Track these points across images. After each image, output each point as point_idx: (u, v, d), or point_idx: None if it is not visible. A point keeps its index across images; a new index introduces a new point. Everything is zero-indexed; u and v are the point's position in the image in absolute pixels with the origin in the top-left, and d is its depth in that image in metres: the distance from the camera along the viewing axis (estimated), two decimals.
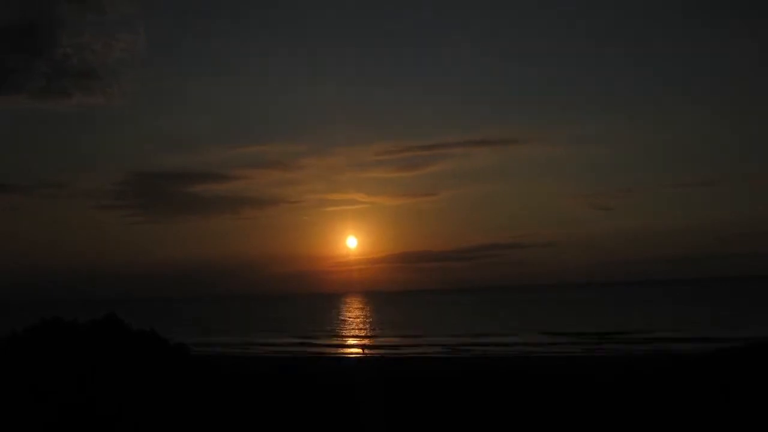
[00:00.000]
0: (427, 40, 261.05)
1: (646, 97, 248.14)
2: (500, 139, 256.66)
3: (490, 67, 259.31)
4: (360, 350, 40.06)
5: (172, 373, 12.91)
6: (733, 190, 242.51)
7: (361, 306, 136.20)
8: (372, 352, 39.78)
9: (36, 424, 10.98)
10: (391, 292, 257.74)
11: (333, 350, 45.30)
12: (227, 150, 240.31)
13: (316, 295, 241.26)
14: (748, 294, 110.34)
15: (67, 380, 11.45)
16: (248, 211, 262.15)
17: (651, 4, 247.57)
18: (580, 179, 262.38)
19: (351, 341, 53.40)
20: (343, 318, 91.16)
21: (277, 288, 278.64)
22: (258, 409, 13.08)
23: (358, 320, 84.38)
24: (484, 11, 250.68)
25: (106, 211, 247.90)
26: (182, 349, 13.96)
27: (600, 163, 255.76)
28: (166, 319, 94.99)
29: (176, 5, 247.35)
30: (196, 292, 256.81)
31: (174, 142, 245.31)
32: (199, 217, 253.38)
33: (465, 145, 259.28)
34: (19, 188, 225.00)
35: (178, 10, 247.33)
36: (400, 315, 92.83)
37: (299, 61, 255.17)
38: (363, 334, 60.39)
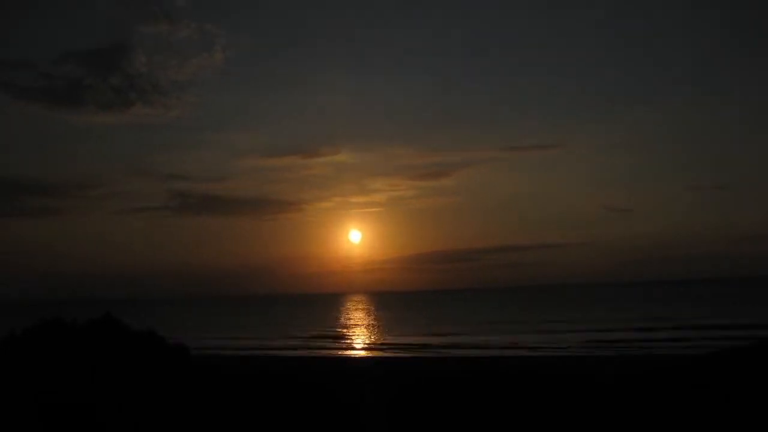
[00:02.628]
0: (451, 47, 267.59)
1: (665, 103, 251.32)
2: (522, 145, 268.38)
3: (516, 75, 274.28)
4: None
5: (171, 373, 12.92)
6: (748, 193, 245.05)
7: (373, 306, 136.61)
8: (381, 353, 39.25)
9: (36, 425, 11.01)
10: (411, 292, 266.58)
11: (336, 351, 45.35)
12: (262, 158, 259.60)
13: (335, 295, 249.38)
14: (759, 294, 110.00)
15: (66, 381, 11.48)
16: (275, 213, 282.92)
17: (672, 14, 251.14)
18: (601, 183, 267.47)
19: (357, 342, 53.40)
20: (349, 318, 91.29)
21: (296, 288, 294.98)
22: (258, 410, 13.09)
23: (367, 320, 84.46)
24: (513, 19, 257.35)
25: (140, 213, 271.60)
26: (181, 349, 13.97)
27: (619, 167, 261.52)
28: (182, 319, 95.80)
29: (252, 27, 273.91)
30: (221, 293, 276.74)
31: (217, 151, 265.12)
32: (230, 219, 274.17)
33: (490, 150, 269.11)
34: (63, 190, 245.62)
35: (254, 32, 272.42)
36: (411, 314, 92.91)
37: (332, 71, 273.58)
38: (370, 334, 60.42)
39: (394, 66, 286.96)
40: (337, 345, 50.14)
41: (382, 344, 49.59)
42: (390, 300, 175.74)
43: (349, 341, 53.83)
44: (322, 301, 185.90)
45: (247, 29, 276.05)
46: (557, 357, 33.67)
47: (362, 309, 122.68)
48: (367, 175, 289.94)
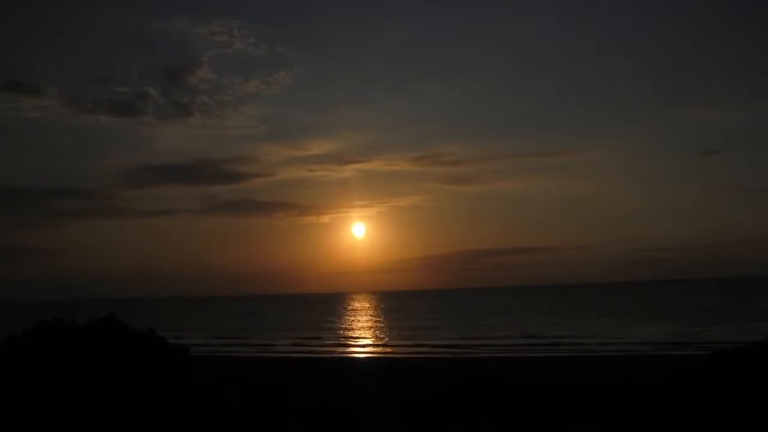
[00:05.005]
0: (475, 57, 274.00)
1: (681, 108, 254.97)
2: (539, 151, 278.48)
3: (529, 84, 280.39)
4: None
5: (171, 373, 13.04)
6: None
7: (386, 305, 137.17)
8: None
9: (36, 426, 11.17)
10: (431, 290, 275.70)
11: (338, 351, 45.49)
12: (301, 165, 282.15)
13: (353, 294, 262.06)
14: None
15: (65, 382, 11.63)
16: (299, 216, 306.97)
17: (702, 17, 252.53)
18: (623, 186, 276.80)
19: (357, 342, 53.53)
20: (354, 317, 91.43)
21: (315, 288, 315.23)
22: (259, 412, 13.21)
23: (374, 320, 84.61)
24: (541, 27, 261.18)
25: (170, 215, 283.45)
26: (181, 349, 14.09)
27: (642, 171, 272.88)
28: (191, 318, 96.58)
29: (320, 51, 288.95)
30: (242, 293, 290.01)
31: (260, 158, 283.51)
32: (260, 220, 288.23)
33: (516, 155, 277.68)
34: (100, 193, 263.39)
35: (320, 55, 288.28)
36: (419, 313, 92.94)
37: (377, 91, 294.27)
38: (372, 335, 60.54)
39: (429, 80, 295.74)
40: (340, 344, 50.33)
41: (384, 343, 49.82)
42: (409, 299, 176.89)
43: (350, 341, 53.99)
44: (335, 300, 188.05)
45: (316, 53, 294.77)
46: (559, 357, 33.66)
47: (372, 308, 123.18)
48: (394, 181, 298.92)
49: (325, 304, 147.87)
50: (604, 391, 14.02)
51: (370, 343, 51.86)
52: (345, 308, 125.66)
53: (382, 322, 77.57)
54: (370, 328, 70.03)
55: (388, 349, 45.19)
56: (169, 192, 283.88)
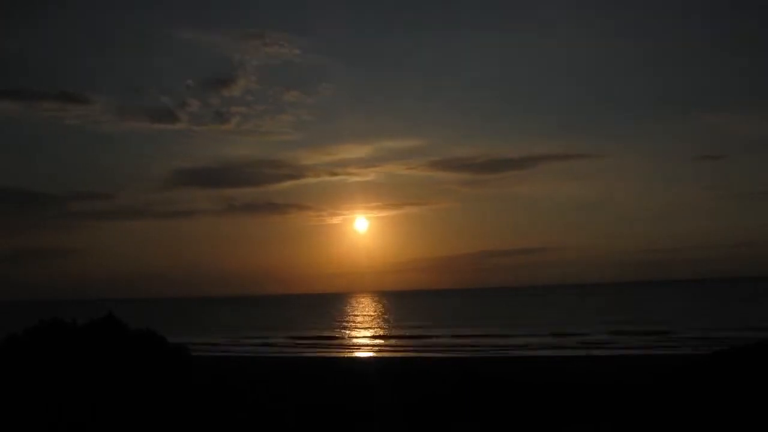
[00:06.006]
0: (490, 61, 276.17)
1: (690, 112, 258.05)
2: (549, 155, 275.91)
3: (537, 89, 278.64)
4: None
5: (171, 373, 13.08)
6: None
7: (385, 306, 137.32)
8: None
9: (35, 426, 11.20)
10: (440, 290, 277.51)
11: (333, 351, 45.51)
12: (324, 169, 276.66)
13: (365, 294, 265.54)
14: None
15: (65, 382, 11.66)
16: (314, 217, 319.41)
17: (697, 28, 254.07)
18: (635, 189, 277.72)
19: (358, 343, 53.55)
20: (356, 318, 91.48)
21: (323, 288, 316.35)
22: (260, 413, 13.25)
23: (374, 321, 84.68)
24: (550, 33, 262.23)
25: (187, 216, 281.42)
26: (181, 349, 14.11)
27: (643, 174, 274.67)
28: (196, 318, 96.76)
29: (365, 61, 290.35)
30: (262, 293, 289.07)
31: (280, 164, 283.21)
32: (273, 220, 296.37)
33: (525, 160, 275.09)
34: (123, 196, 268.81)
35: (364, 66, 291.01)
36: (426, 314, 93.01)
37: (407, 101, 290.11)
38: (373, 332, 60.57)
39: (444, 85, 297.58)
40: (340, 345, 50.39)
41: (385, 344, 49.86)
42: (415, 299, 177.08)
43: (350, 341, 54.03)
44: (340, 300, 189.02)
45: (357, 64, 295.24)
46: (557, 357, 33.71)
47: (376, 308, 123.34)
48: (411, 184, 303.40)
49: (327, 305, 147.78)
50: (602, 391, 14.04)
51: (371, 343, 51.91)
52: (348, 309, 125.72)
53: (384, 323, 77.58)
54: (372, 328, 70.07)
55: (389, 349, 45.22)
56: (191, 195, 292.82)
